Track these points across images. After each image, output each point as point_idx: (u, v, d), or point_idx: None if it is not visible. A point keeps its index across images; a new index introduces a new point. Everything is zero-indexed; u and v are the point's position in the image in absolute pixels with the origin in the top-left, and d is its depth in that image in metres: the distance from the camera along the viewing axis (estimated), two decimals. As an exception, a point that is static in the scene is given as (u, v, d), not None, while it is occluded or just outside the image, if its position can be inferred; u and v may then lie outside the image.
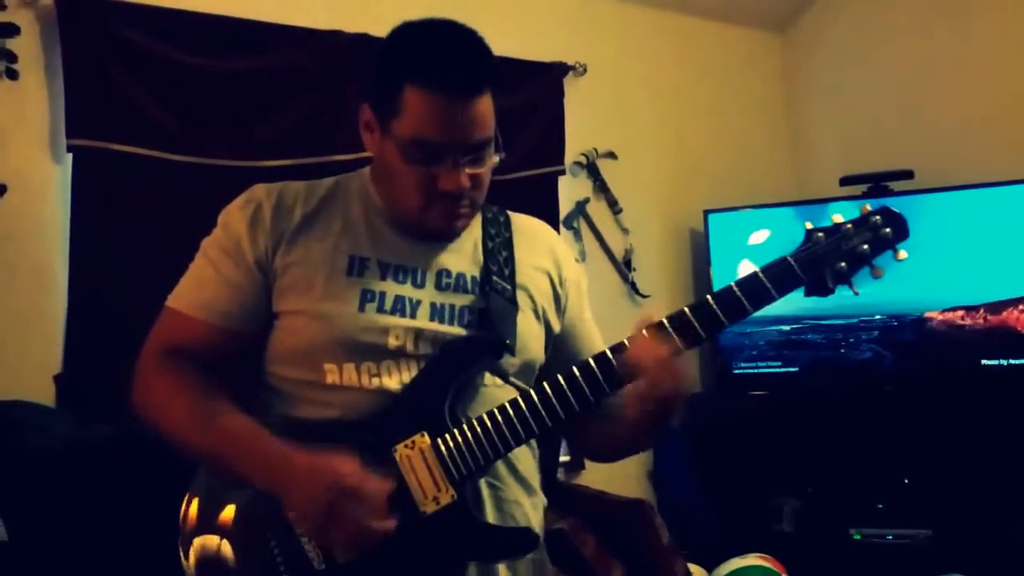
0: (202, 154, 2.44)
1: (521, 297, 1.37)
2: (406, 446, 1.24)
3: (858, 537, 2.87)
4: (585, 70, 3.15)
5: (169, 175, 2.39)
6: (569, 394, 1.24)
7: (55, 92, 2.31)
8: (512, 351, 1.31)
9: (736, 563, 2.67)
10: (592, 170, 3.23)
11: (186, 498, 1.31)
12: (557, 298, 1.43)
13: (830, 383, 3.13)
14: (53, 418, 2.00)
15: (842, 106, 3.60)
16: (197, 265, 1.36)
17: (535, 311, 1.38)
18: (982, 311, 2.93)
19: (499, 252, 1.39)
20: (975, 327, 2.93)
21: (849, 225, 1.26)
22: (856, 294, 1.28)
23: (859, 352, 3.09)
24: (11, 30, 2.21)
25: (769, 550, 2.74)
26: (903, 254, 1.28)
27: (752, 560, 2.68)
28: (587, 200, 3.22)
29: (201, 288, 1.33)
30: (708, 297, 1.23)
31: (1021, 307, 2.87)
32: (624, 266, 3.27)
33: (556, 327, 1.42)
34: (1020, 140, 3.02)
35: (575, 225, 3.18)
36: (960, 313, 2.96)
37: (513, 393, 1.30)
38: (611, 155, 3.25)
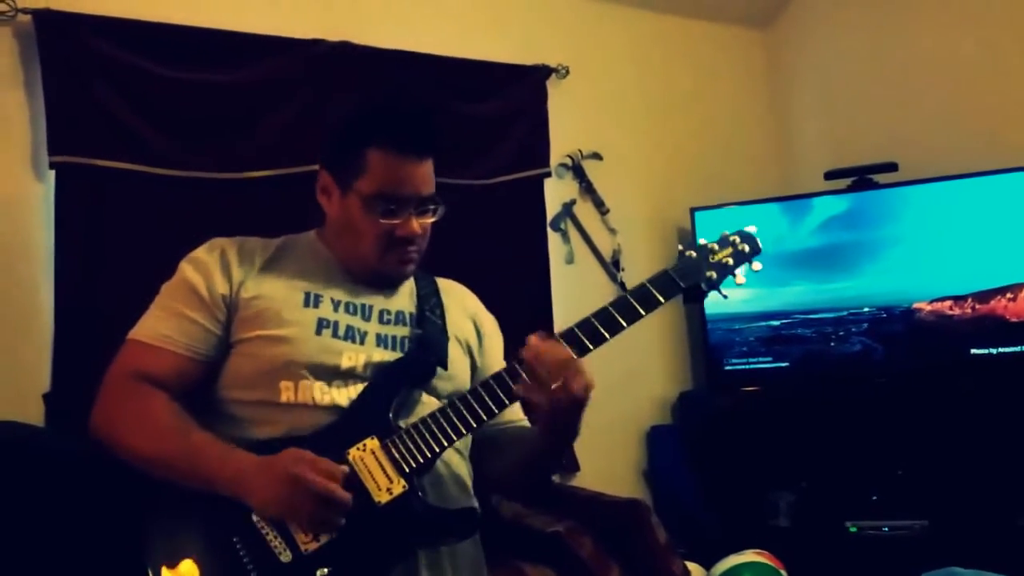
0: (186, 167, 2.42)
1: (450, 330, 1.60)
2: (358, 449, 1.39)
3: (854, 530, 2.88)
4: (567, 72, 3.16)
5: (153, 189, 2.37)
6: (486, 396, 1.41)
7: (36, 109, 2.29)
8: (444, 365, 1.53)
9: (734, 560, 2.68)
10: (578, 171, 3.23)
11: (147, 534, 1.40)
12: (479, 337, 1.68)
13: (821, 377, 3.14)
14: (43, 438, 1.99)
15: (826, 101, 3.62)
16: (158, 304, 1.52)
17: (461, 344, 1.62)
18: (970, 300, 2.95)
19: (429, 299, 1.63)
20: (963, 316, 2.95)
21: (714, 244, 1.55)
22: (725, 297, 1.54)
23: (849, 345, 3.09)
24: (-11, 48, 2.20)
25: (766, 545, 2.74)
26: (757, 265, 1.56)
27: (749, 556, 2.68)
28: (574, 201, 3.22)
29: (164, 321, 1.48)
30: (591, 317, 1.44)
31: (1008, 295, 2.89)
32: (613, 266, 3.27)
33: (478, 361, 1.65)
34: (1002, 130, 3.03)
35: (562, 227, 3.18)
36: (948, 303, 2.98)
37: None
38: (596, 156, 3.25)
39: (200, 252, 1.55)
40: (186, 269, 1.52)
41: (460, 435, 1.43)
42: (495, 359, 1.69)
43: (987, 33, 3.10)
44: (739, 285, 1.55)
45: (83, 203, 2.30)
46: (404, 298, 1.61)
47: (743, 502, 3.07)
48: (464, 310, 1.70)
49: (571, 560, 2.27)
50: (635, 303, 1.46)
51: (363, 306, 1.54)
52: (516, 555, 2.27)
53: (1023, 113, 2.99)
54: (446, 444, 1.41)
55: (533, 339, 1.37)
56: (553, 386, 1.32)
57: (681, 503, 3.09)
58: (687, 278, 1.50)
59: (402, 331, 1.55)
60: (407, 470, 1.38)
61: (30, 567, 1.64)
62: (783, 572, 2.66)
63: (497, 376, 1.43)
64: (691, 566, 2.60)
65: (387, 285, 1.60)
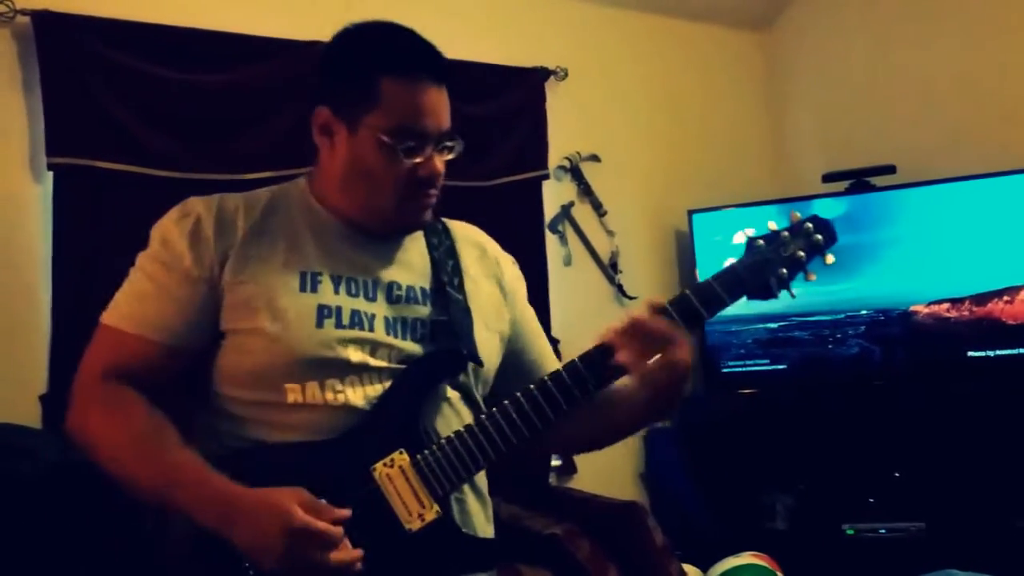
0: (184, 169, 2.42)
1: (473, 307, 1.39)
2: (385, 464, 1.24)
3: (851, 532, 2.88)
4: (566, 74, 3.16)
5: (151, 190, 2.37)
6: (543, 402, 1.26)
7: (34, 110, 2.29)
8: (478, 361, 1.35)
9: (731, 562, 2.68)
10: (576, 174, 3.23)
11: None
12: (504, 293, 1.47)
13: (818, 379, 3.14)
14: (39, 440, 1.98)
15: (824, 103, 3.62)
16: (134, 280, 1.33)
17: (487, 322, 1.41)
18: (967, 303, 2.95)
19: (445, 261, 1.41)
20: (961, 319, 2.95)
21: (785, 232, 1.30)
22: (793, 297, 1.31)
23: (846, 347, 3.09)
24: (-13, 49, 2.20)
25: (763, 548, 2.74)
26: (831, 259, 1.33)
27: (747, 558, 2.68)
28: (572, 204, 3.22)
29: (141, 303, 1.30)
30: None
31: (1006, 298, 2.89)
32: (610, 268, 3.27)
33: (506, 332, 1.45)
34: (1001, 133, 3.04)
35: (560, 229, 3.18)
36: (945, 306, 2.98)
37: (474, 405, 1.35)
38: (594, 158, 3.25)
39: (170, 221, 1.34)
40: (154, 241, 1.34)
41: (504, 452, 1.27)
42: (522, 306, 1.52)
43: (984, 37, 3.10)
44: (809, 282, 1.32)
45: (81, 204, 2.30)
46: (415, 263, 1.39)
47: (740, 504, 3.07)
48: (483, 262, 1.47)
49: (569, 562, 2.27)
50: (698, 304, 1.28)
51: (367, 282, 1.33)
52: (514, 557, 2.27)
53: (1021, 116, 3.00)
54: (483, 464, 1.27)
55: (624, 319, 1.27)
56: (651, 361, 1.23)
57: (678, 505, 3.09)
58: (756, 275, 1.28)
59: (415, 311, 1.34)
60: (440, 492, 1.24)
61: (28, 569, 1.64)
62: (780, 575, 2.66)
63: (555, 376, 1.27)
64: (688, 568, 2.60)
65: (399, 236, 1.39)
